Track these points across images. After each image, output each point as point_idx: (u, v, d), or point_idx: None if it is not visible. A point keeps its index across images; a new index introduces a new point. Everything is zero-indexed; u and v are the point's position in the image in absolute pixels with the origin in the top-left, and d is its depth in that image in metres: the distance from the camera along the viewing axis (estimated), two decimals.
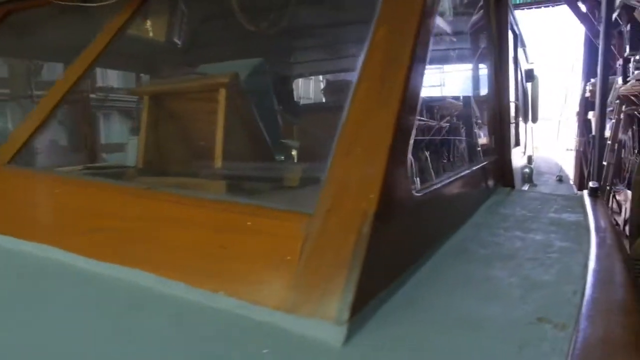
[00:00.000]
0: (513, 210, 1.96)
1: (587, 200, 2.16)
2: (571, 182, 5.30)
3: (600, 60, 5.37)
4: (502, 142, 2.48)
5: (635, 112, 6.54)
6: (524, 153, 4.76)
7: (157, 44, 2.07)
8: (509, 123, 2.67)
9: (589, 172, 5.48)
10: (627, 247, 2.69)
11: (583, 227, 1.62)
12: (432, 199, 1.22)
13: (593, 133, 5.60)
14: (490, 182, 2.29)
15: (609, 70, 5.69)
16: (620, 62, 6.71)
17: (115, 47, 1.69)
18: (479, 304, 0.94)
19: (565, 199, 2.24)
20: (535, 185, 4.38)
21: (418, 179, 1.64)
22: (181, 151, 1.52)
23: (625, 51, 6.47)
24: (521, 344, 0.78)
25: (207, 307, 0.85)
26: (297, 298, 0.80)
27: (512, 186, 2.53)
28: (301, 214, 0.91)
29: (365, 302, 0.80)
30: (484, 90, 2.58)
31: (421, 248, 1.12)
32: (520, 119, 4.80)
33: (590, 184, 2.23)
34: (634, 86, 6.03)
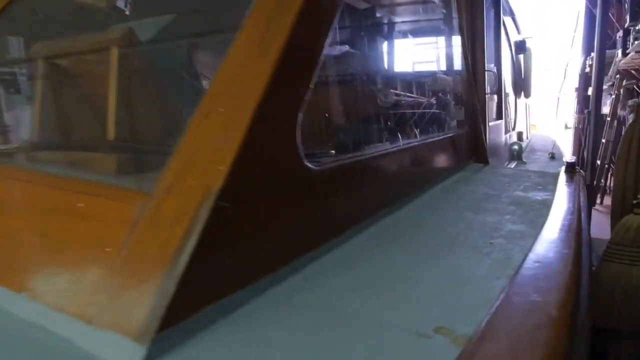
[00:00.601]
0: (475, 188, 1.76)
1: (563, 178, 1.95)
2: (564, 159, 5.05)
3: (598, 30, 5.07)
4: (473, 114, 2.25)
5: (635, 87, 6.26)
6: (513, 128, 4.52)
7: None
8: (483, 94, 2.44)
9: (584, 149, 5.23)
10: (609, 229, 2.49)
11: (547, 207, 1.41)
12: (343, 174, 1.01)
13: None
14: (457, 157, 2.07)
15: (606, 41, 5.39)
16: (620, 34, 6.39)
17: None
18: (375, 308, 0.73)
19: (539, 176, 2.03)
20: (525, 163, 4.16)
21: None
22: (78, 122, 1.31)
23: (625, 22, 6.14)
24: None
25: (3, 312, 0.65)
26: (103, 305, 0.60)
27: (486, 162, 2.32)
28: (137, 193, 0.70)
29: (192, 311, 0.60)
30: (456, 61, 2.33)
31: (322, 234, 0.92)
32: (508, 92, 4.57)
33: (568, 159, 2.01)
34: (634, 59, 5.74)
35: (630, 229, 1.93)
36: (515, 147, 4.25)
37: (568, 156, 7.02)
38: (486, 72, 2.51)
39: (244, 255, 0.70)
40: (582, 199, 1.85)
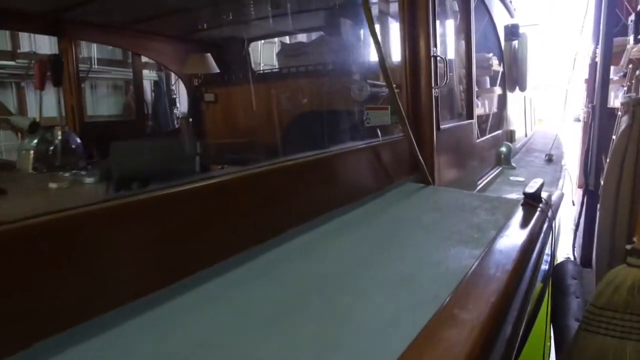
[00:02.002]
0: (363, 237, 1.12)
1: (519, 214, 1.32)
2: (563, 162, 4.37)
3: (604, 11, 4.39)
4: (406, 117, 1.63)
5: None
6: (501, 129, 3.87)
7: None
8: (428, 89, 1.81)
9: (587, 149, 4.53)
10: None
11: (447, 290, 0.80)
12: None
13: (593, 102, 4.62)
14: (371, 179, 1.45)
15: (613, 26, 4.68)
16: (632, 17, 5.65)
17: None
18: None
19: (490, 209, 1.40)
20: (513, 168, 3.54)
21: None
22: None
23: (638, 4, 5.42)
24: None
25: None
26: None
27: (427, 181, 1.69)
28: None
29: None
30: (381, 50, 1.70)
31: None
32: (494, 85, 3.92)
33: (527, 188, 1.38)
34: None
35: (621, 289, 1.29)
36: (503, 149, 3.62)
37: (573, 155, 6.28)
38: (438, 61, 1.87)
39: None
40: (542, 245, 1.23)
